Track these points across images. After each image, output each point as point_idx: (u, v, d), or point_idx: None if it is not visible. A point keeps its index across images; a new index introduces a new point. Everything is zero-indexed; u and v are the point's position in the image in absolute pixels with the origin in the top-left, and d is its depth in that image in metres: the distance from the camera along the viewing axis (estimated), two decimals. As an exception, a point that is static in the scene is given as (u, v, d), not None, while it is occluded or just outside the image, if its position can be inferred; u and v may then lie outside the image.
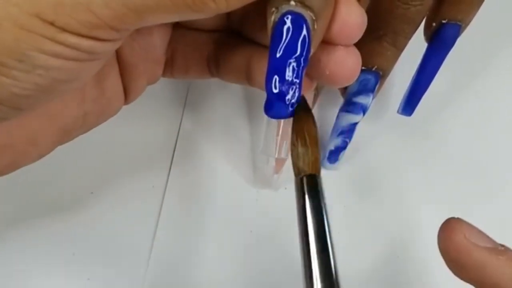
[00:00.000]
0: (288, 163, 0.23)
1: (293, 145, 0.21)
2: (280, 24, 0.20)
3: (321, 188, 0.20)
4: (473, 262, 0.19)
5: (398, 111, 0.31)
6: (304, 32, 0.20)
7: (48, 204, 0.30)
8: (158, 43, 0.25)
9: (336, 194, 0.32)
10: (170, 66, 0.27)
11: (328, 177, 0.32)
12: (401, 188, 0.32)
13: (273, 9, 0.20)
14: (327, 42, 0.22)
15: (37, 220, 0.29)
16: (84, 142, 0.25)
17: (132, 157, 0.32)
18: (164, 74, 0.27)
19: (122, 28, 0.18)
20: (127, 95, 0.25)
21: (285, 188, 0.31)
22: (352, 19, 0.22)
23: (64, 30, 0.17)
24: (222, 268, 0.29)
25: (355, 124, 0.30)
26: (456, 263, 0.19)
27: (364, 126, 0.31)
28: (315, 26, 0.20)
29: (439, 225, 0.30)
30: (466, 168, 0.33)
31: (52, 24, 0.17)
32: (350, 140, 0.31)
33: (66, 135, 0.23)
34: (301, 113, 0.22)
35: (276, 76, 0.21)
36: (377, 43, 0.28)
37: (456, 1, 0.28)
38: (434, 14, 0.28)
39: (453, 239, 0.19)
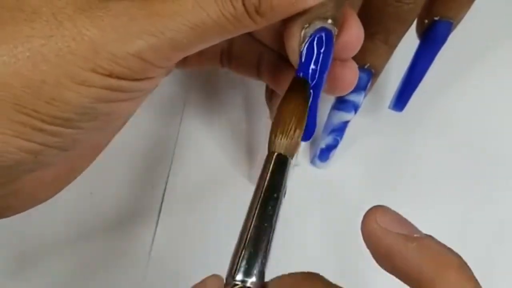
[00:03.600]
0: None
1: (273, 122, 0.21)
2: (315, 40, 0.21)
3: (287, 172, 0.21)
4: (380, 248, 0.18)
5: (389, 107, 0.32)
6: (331, 46, 0.21)
7: (47, 204, 0.30)
8: None
9: (327, 192, 0.32)
10: (183, 60, 0.27)
11: (320, 175, 0.32)
12: (393, 184, 0.32)
13: (306, 24, 0.21)
14: None
15: (36, 220, 0.29)
16: None
17: (132, 157, 0.32)
18: (177, 65, 0.27)
19: (170, 65, 0.20)
20: None
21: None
22: (354, 36, 0.22)
23: (119, 78, 0.18)
24: (222, 268, 0.29)
25: (347, 122, 0.31)
26: (371, 250, 0.19)
27: (356, 122, 0.31)
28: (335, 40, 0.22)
29: (435, 220, 0.31)
30: (458, 163, 0.33)
31: (109, 76, 0.18)
32: (341, 138, 0.31)
33: (101, 150, 0.24)
34: (292, 90, 0.22)
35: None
36: (370, 41, 0.28)
37: (447, -1, 0.28)
38: (426, 11, 0.29)
39: (367, 224, 0.19)
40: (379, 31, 0.28)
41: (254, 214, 0.20)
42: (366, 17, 0.28)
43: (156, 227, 0.30)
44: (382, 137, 0.34)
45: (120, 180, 0.31)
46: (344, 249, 0.30)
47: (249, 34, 0.27)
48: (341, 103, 0.30)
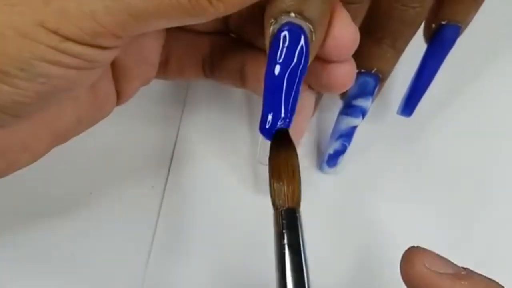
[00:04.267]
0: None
1: (270, 178, 0.21)
2: (278, 35, 0.20)
3: (300, 222, 0.21)
4: None
5: (397, 112, 0.31)
6: (303, 43, 0.20)
7: (47, 204, 0.30)
8: (153, 45, 0.25)
9: (335, 198, 0.32)
10: (164, 68, 0.27)
11: (327, 181, 0.32)
12: (402, 190, 0.32)
13: (272, 20, 0.20)
14: (320, 58, 0.22)
15: (36, 220, 0.29)
16: (83, 142, 0.25)
17: (131, 157, 0.32)
18: (157, 75, 0.27)
19: (124, 35, 0.19)
20: (120, 97, 0.25)
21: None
22: (345, 37, 0.22)
23: (67, 38, 0.18)
24: (222, 269, 0.29)
25: (355, 127, 0.30)
26: None
27: (364, 127, 0.31)
28: (313, 38, 0.21)
29: (440, 227, 0.30)
30: (466, 169, 0.33)
31: (55, 33, 0.17)
32: (349, 144, 0.31)
33: (59, 139, 0.23)
34: (279, 143, 0.21)
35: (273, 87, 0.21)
36: (377, 45, 0.28)
37: (455, 2, 0.28)
38: (433, 15, 0.28)
39: (414, 269, 0.19)
40: (386, 35, 0.28)
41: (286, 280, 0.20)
42: (373, 21, 0.28)
43: (156, 227, 0.29)
44: (390, 142, 0.33)
45: (120, 180, 0.31)
46: (351, 255, 0.30)
47: (233, 39, 0.27)
48: (349, 108, 0.30)
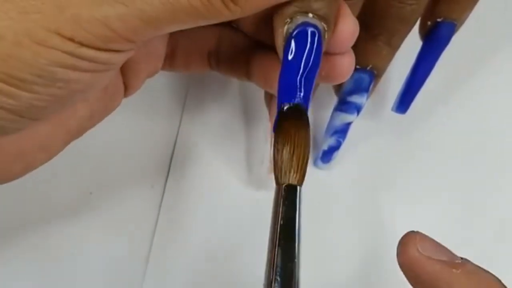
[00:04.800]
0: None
1: (276, 150, 0.20)
2: (296, 35, 0.20)
3: (300, 201, 0.21)
4: (426, 276, 0.19)
5: (392, 109, 0.32)
6: (318, 43, 0.20)
7: (47, 204, 0.30)
8: (159, 38, 0.25)
9: (329, 193, 0.32)
10: (170, 60, 0.27)
11: (321, 177, 0.32)
12: (396, 186, 0.32)
13: (287, 19, 0.20)
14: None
15: (36, 220, 0.29)
16: (83, 142, 0.25)
17: (131, 157, 0.32)
18: (163, 67, 0.27)
19: (137, 40, 0.19)
20: (127, 90, 0.26)
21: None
22: (346, 29, 0.22)
23: (82, 44, 0.18)
24: (221, 268, 0.29)
25: (349, 124, 0.30)
26: (412, 277, 0.19)
27: (358, 123, 0.31)
28: (325, 36, 0.21)
29: (435, 223, 0.30)
30: (461, 166, 0.33)
31: (71, 39, 0.18)
32: (343, 140, 0.31)
33: (73, 136, 0.24)
34: (289, 115, 0.21)
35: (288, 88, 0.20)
36: (372, 42, 0.28)
37: (451, 0, 0.28)
38: (429, 13, 0.28)
39: (407, 253, 0.19)
40: (382, 32, 0.28)
41: (276, 253, 0.20)
42: (368, 18, 0.28)
43: (156, 227, 0.30)
44: (384, 139, 0.34)
45: (120, 180, 0.31)
46: (346, 250, 0.30)
47: (239, 32, 0.26)
48: (344, 105, 0.30)
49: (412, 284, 0.20)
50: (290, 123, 0.20)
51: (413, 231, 0.20)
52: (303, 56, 0.20)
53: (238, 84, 0.34)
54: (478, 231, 0.31)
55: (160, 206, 0.30)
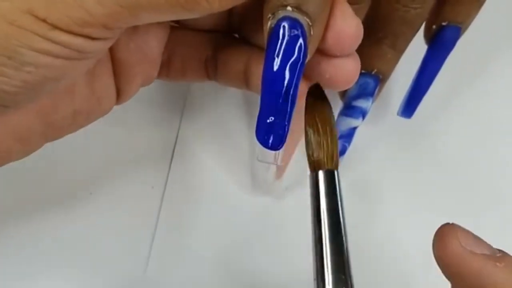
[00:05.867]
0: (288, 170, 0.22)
1: (306, 135, 0.20)
2: (276, 30, 0.20)
3: (340, 186, 0.20)
4: (469, 270, 0.18)
5: (398, 113, 0.31)
6: (300, 38, 0.20)
7: (47, 204, 0.30)
8: (155, 43, 0.25)
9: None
10: (166, 68, 0.27)
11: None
12: (402, 191, 0.32)
13: (269, 15, 0.20)
14: (323, 53, 0.22)
15: (36, 220, 0.29)
16: (83, 143, 0.25)
17: (132, 158, 0.32)
18: (159, 75, 0.27)
19: (115, 26, 0.18)
20: (120, 96, 0.25)
21: (286, 188, 0.31)
22: (347, 30, 0.21)
23: (56, 27, 0.17)
24: (222, 269, 0.29)
25: (355, 128, 0.30)
26: (452, 272, 0.19)
27: (364, 128, 0.31)
28: (311, 32, 0.20)
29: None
30: (467, 171, 0.33)
31: (44, 21, 0.17)
32: (349, 144, 0.31)
33: (55, 132, 0.23)
34: (315, 99, 0.21)
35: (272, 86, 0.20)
36: (377, 46, 0.28)
37: (456, 3, 0.28)
38: (434, 16, 0.28)
39: (448, 247, 0.18)
40: (387, 36, 0.28)
41: (325, 241, 0.20)
42: (373, 22, 0.27)
43: (156, 227, 0.30)
44: (390, 143, 0.33)
45: (120, 180, 0.31)
46: (354, 254, 0.30)
47: (237, 39, 0.26)
48: (349, 109, 0.30)
49: (451, 279, 0.19)
50: (314, 108, 0.21)
51: (452, 224, 0.19)
52: (284, 52, 0.20)
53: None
54: (484, 235, 0.31)
55: (160, 206, 0.30)
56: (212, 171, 0.32)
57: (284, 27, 0.20)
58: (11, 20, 0.17)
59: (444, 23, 0.28)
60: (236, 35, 0.27)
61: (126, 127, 0.32)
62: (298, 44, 0.20)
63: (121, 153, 0.32)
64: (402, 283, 0.29)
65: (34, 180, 0.30)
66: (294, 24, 0.20)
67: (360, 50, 0.23)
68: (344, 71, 0.23)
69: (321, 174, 0.20)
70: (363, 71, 0.28)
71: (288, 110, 0.20)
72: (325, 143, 0.21)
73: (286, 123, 0.20)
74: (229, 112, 0.34)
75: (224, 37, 0.27)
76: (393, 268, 0.30)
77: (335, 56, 0.22)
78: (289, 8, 0.20)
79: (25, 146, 0.22)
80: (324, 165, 0.20)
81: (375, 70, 0.28)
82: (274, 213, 0.30)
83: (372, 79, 0.29)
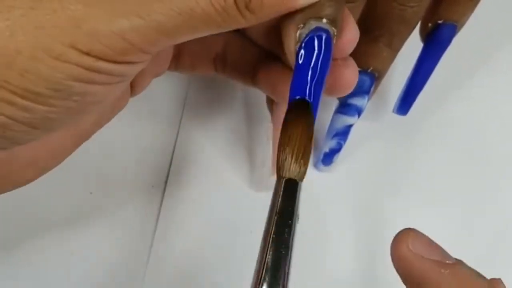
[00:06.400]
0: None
1: (281, 146, 0.20)
2: (310, 40, 0.20)
3: (299, 196, 0.21)
4: (414, 274, 0.18)
5: (393, 111, 0.32)
6: (329, 47, 0.20)
7: (47, 204, 0.30)
8: None
9: (330, 196, 0.32)
10: (176, 61, 0.27)
11: (323, 179, 0.32)
12: (397, 188, 0.32)
13: (301, 24, 0.20)
14: None
15: (36, 220, 0.29)
16: (83, 143, 0.25)
17: (132, 158, 0.32)
18: (169, 68, 0.27)
19: (153, 51, 0.19)
20: (133, 89, 0.26)
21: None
22: (348, 35, 0.22)
23: (99, 58, 0.18)
24: (222, 268, 0.29)
25: (350, 126, 0.30)
26: (402, 274, 0.19)
27: (359, 126, 0.31)
28: (334, 41, 0.21)
29: (437, 225, 0.30)
30: (463, 167, 0.33)
31: (88, 54, 0.18)
32: (344, 142, 0.31)
33: (82, 140, 0.24)
34: (296, 112, 0.21)
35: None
36: (373, 44, 0.28)
37: (452, 2, 0.28)
38: (430, 14, 0.28)
39: (398, 250, 0.19)
40: (383, 34, 0.28)
41: (269, 242, 0.20)
42: (369, 20, 0.27)
43: (156, 227, 0.30)
44: (386, 141, 0.34)
45: (120, 180, 0.31)
46: (347, 252, 0.30)
47: (246, 38, 0.26)
48: (344, 107, 0.30)
49: (403, 282, 0.19)
50: (295, 118, 0.21)
51: (408, 228, 0.19)
52: (315, 61, 0.20)
53: (239, 84, 0.34)
54: (479, 232, 0.31)
55: (160, 206, 0.30)
56: (212, 171, 0.32)
57: (318, 37, 0.20)
58: (56, 55, 0.17)
59: (440, 21, 0.28)
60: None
61: (125, 127, 0.32)
62: (328, 53, 0.20)
63: (121, 152, 0.32)
64: (400, 282, 0.29)
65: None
66: (326, 34, 0.20)
67: (356, 48, 0.23)
68: (342, 79, 0.23)
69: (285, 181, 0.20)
70: (359, 69, 0.28)
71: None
72: (297, 153, 0.21)
73: None
74: (229, 111, 0.34)
75: (234, 35, 0.27)
76: (389, 265, 0.30)
77: (334, 59, 0.22)
78: (324, 20, 0.20)
79: (59, 159, 0.23)
80: (289, 174, 0.20)
81: (371, 68, 0.28)
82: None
83: (368, 77, 0.29)
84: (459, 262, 0.19)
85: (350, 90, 0.23)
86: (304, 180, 0.32)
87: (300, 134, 0.21)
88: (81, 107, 0.19)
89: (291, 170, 0.20)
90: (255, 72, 0.26)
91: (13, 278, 0.28)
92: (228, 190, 0.31)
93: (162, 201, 0.30)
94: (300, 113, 0.21)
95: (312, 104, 0.20)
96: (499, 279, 0.19)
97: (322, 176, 0.32)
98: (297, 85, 0.20)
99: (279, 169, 0.21)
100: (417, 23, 0.28)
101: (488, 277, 0.19)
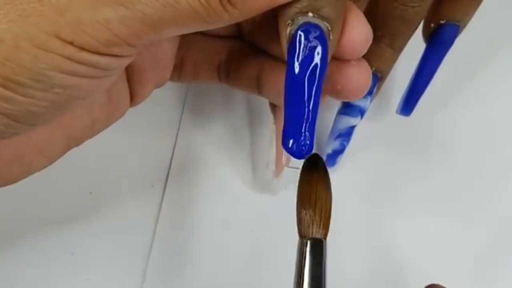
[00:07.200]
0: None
1: (300, 206, 0.21)
2: (296, 36, 0.20)
3: (325, 255, 0.21)
4: None
5: (396, 112, 0.31)
6: (321, 43, 0.20)
7: (47, 204, 0.30)
8: (167, 47, 0.25)
9: (334, 197, 0.31)
10: (178, 71, 0.27)
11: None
12: (401, 189, 0.32)
13: (289, 21, 0.20)
14: (334, 57, 0.22)
15: (36, 220, 0.29)
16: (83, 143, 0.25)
17: (131, 157, 0.32)
18: (171, 78, 0.27)
19: (139, 44, 0.19)
20: (133, 99, 0.25)
21: (285, 188, 0.31)
22: (359, 34, 0.21)
23: (83, 49, 0.18)
24: (222, 268, 0.29)
25: (353, 127, 0.30)
26: None
27: (362, 126, 0.31)
28: (331, 37, 0.20)
29: (439, 227, 0.30)
30: (466, 169, 0.33)
31: (71, 43, 0.17)
32: (348, 143, 0.31)
33: (75, 142, 0.24)
34: (311, 169, 0.21)
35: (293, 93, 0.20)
36: (375, 44, 0.28)
37: (454, 1, 0.28)
38: (432, 14, 0.28)
39: None
40: (385, 34, 0.28)
41: None
42: (372, 20, 0.27)
43: (156, 227, 0.29)
44: (389, 142, 0.33)
45: (120, 180, 0.31)
46: (348, 253, 0.30)
47: (250, 45, 0.26)
48: (347, 108, 0.30)
49: None
50: (310, 175, 0.21)
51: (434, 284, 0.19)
52: (306, 57, 0.20)
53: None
54: (480, 235, 0.31)
55: (160, 206, 0.30)
56: (212, 170, 0.32)
57: (305, 33, 0.20)
58: (39, 44, 0.17)
59: (442, 21, 0.28)
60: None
61: (125, 126, 0.32)
62: (320, 49, 0.20)
63: (121, 152, 0.32)
64: (401, 282, 0.29)
65: (34, 180, 0.30)
66: (316, 29, 0.20)
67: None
68: (356, 82, 0.23)
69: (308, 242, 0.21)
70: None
71: (311, 117, 0.20)
72: (319, 212, 0.21)
73: (310, 130, 0.20)
74: (229, 111, 0.34)
75: (237, 42, 0.27)
76: (391, 267, 0.30)
77: (345, 60, 0.22)
78: (310, 14, 0.20)
79: (48, 157, 0.23)
80: (312, 233, 0.21)
81: (374, 69, 0.28)
82: (275, 213, 0.30)
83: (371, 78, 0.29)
84: None
85: (361, 94, 0.23)
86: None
87: (319, 190, 0.21)
88: (64, 101, 0.19)
89: (314, 229, 0.21)
90: (259, 80, 0.26)
91: (13, 278, 0.28)
92: (228, 190, 0.31)
93: (162, 201, 0.30)
94: (313, 168, 0.21)
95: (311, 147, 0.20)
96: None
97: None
98: (290, 84, 0.20)
99: (300, 229, 0.21)
100: (419, 23, 0.28)
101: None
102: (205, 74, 0.27)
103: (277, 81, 0.25)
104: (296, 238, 0.30)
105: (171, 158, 0.32)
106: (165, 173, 0.31)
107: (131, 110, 0.27)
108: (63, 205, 0.30)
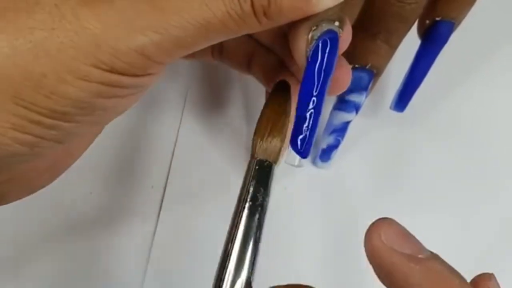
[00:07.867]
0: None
1: (258, 128, 0.22)
2: (323, 41, 0.21)
3: (271, 179, 0.21)
4: (383, 266, 0.18)
5: (390, 107, 0.32)
6: (336, 48, 0.21)
7: (46, 203, 0.30)
8: None
9: (328, 192, 0.32)
10: None
11: (320, 175, 0.32)
12: (395, 185, 0.32)
13: (314, 26, 0.21)
14: None
15: (35, 220, 0.29)
16: None
17: (132, 157, 0.32)
18: None
19: (172, 61, 0.20)
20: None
21: (285, 188, 0.31)
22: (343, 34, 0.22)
23: (121, 74, 0.18)
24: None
25: (348, 122, 0.30)
26: (373, 265, 0.18)
27: (357, 122, 0.31)
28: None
29: (435, 221, 0.31)
30: (460, 164, 0.33)
31: (110, 71, 0.18)
32: (342, 138, 0.31)
33: (82, 149, 0.24)
34: (276, 95, 0.22)
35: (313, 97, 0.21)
36: (371, 41, 0.28)
37: (450, -1, 0.28)
38: (428, 12, 0.29)
39: (370, 240, 0.18)
40: (381, 31, 0.28)
41: (237, 223, 0.21)
42: (368, 17, 0.28)
43: (156, 227, 0.30)
44: (383, 137, 0.34)
45: (120, 180, 0.31)
46: (345, 250, 0.30)
47: None
48: (342, 103, 0.30)
49: (375, 273, 0.19)
50: (276, 99, 0.23)
51: (383, 218, 0.19)
52: (327, 61, 0.21)
53: (239, 83, 0.34)
54: (478, 229, 0.31)
55: (160, 206, 0.30)
56: (212, 170, 0.32)
57: (331, 39, 0.21)
58: (81, 75, 0.18)
59: (437, 18, 0.28)
60: None
61: (126, 126, 0.32)
62: (336, 53, 0.21)
63: (121, 152, 0.32)
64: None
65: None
66: (337, 37, 0.21)
67: (355, 45, 0.23)
68: (338, 80, 0.24)
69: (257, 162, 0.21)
70: (357, 66, 0.29)
71: (318, 120, 0.22)
72: (270, 136, 0.22)
73: (315, 132, 0.22)
74: (229, 112, 0.34)
75: None
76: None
77: None
78: (336, 23, 0.21)
79: (74, 159, 0.24)
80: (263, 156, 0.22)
81: (369, 65, 0.29)
82: (275, 212, 0.30)
83: (366, 74, 0.29)
84: (432, 256, 0.18)
85: (344, 88, 0.24)
86: (304, 176, 0.32)
87: (271, 114, 0.22)
88: (104, 119, 0.20)
89: (261, 150, 0.21)
90: (250, 61, 0.27)
91: (14, 278, 0.28)
92: (228, 189, 0.31)
93: (162, 201, 0.30)
94: (277, 94, 0.22)
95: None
96: (485, 275, 0.19)
97: (320, 172, 0.32)
98: (307, 84, 0.21)
99: (251, 149, 0.22)
100: (415, 20, 0.28)
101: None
102: (200, 52, 0.28)
103: (265, 65, 0.26)
104: (296, 237, 0.31)
105: (171, 159, 0.32)
106: (165, 173, 0.31)
107: (131, 110, 0.27)
108: (63, 205, 0.30)
